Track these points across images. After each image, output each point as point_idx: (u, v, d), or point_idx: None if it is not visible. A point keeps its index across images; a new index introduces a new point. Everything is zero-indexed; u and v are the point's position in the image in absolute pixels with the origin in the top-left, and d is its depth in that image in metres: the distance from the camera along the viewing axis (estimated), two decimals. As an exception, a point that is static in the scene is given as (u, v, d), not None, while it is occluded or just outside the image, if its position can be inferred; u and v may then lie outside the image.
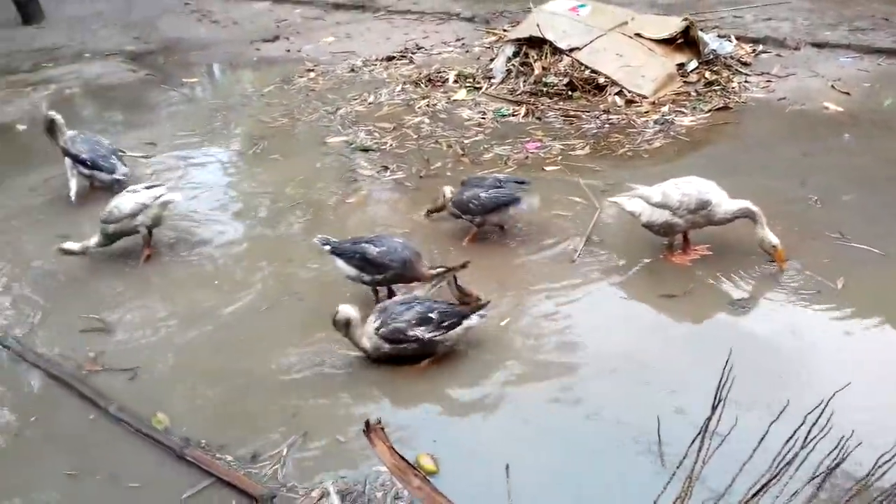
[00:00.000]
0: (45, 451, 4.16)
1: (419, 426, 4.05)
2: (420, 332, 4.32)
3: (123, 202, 5.74)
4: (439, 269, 4.88)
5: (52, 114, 7.05)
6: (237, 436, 4.08)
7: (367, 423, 3.29)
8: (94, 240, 5.83)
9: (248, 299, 5.28)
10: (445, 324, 4.37)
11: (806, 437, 2.94)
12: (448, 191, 5.74)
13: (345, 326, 4.41)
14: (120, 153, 7.15)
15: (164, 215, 5.93)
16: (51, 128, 6.99)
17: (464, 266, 4.77)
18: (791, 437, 2.97)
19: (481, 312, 4.51)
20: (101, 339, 5.01)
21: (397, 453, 3.25)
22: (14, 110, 9.89)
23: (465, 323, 4.45)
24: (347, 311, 4.39)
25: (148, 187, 5.94)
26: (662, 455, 3.68)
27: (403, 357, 4.44)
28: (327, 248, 5.01)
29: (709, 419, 3.12)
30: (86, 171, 6.84)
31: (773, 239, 4.84)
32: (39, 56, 12.54)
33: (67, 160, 6.88)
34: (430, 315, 4.37)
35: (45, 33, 14.03)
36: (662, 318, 4.72)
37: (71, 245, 5.87)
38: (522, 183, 5.61)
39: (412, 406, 4.22)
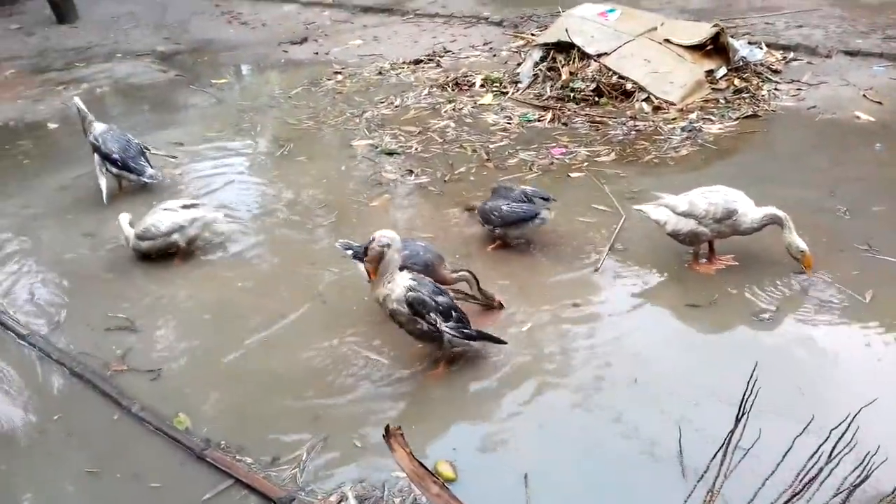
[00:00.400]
0: (67, 449, 4.21)
1: (439, 433, 4.04)
2: (439, 319, 4.26)
3: (161, 220, 5.74)
4: (461, 273, 4.87)
5: (76, 101, 7.09)
6: (258, 438, 4.10)
7: (387, 429, 3.29)
8: (131, 242, 5.86)
9: (272, 301, 5.30)
10: (462, 329, 4.34)
11: (831, 453, 2.90)
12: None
13: (379, 255, 4.20)
14: (146, 149, 7.20)
15: (202, 235, 5.96)
16: (79, 115, 7.02)
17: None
18: (816, 452, 2.93)
19: (496, 343, 4.48)
20: (126, 339, 5.06)
21: (416, 459, 3.24)
22: (46, 108, 10.05)
23: (473, 343, 4.48)
24: (392, 238, 4.22)
25: (186, 206, 5.89)
26: (684, 467, 3.63)
27: (401, 326, 4.37)
28: (349, 252, 5.02)
29: (732, 432, 3.09)
30: (114, 171, 6.90)
31: (801, 244, 4.78)
32: (72, 55, 12.75)
33: (97, 157, 6.91)
34: (453, 312, 4.33)
35: (79, 33, 14.26)
36: (686, 328, 4.67)
37: (126, 226, 5.85)
38: (548, 199, 5.57)
39: (432, 412, 4.20)
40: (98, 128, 6.94)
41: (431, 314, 4.24)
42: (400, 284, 4.26)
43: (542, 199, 5.54)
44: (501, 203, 5.44)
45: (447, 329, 4.29)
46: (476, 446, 3.93)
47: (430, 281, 4.44)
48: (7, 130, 9.43)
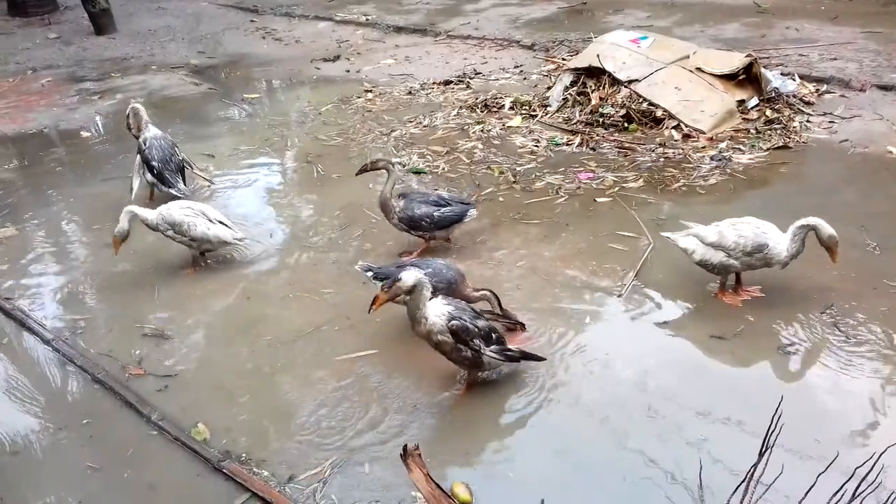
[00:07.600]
0: (83, 454, 4.24)
1: (456, 454, 4.02)
2: (482, 344, 4.25)
3: (199, 226, 5.76)
4: (483, 292, 4.87)
5: (136, 105, 7.28)
6: (279, 453, 4.11)
7: (405, 449, 3.28)
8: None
9: (297, 317, 5.32)
10: (505, 352, 4.33)
11: (855, 491, 2.85)
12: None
13: (396, 295, 4.05)
14: (188, 165, 7.34)
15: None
16: (135, 119, 7.19)
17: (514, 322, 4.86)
18: (839, 490, 2.88)
19: (536, 360, 4.49)
20: (150, 347, 5.11)
21: (433, 480, 3.23)
22: (80, 117, 10.23)
23: (512, 364, 4.47)
24: (420, 280, 4.04)
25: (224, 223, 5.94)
26: (703, 500, 3.58)
27: (446, 355, 4.30)
28: (370, 274, 5.03)
29: (754, 466, 3.05)
30: (149, 178, 7.02)
31: (833, 232, 4.71)
32: (108, 66, 12.96)
33: (139, 158, 7.08)
34: (493, 335, 4.32)
35: (116, 44, 14.50)
36: (710, 359, 4.62)
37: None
38: (468, 204, 5.92)
39: (451, 434, 4.19)
40: (151, 131, 7.13)
41: (475, 340, 4.23)
42: (440, 314, 4.20)
43: (462, 203, 5.90)
44: (431, 210, 5.72)
45: (492, 354, 4.29)
46: (493, 470, 3.91)
47: (465, 305, 4.41)
48: (41, 138, 9.60)
